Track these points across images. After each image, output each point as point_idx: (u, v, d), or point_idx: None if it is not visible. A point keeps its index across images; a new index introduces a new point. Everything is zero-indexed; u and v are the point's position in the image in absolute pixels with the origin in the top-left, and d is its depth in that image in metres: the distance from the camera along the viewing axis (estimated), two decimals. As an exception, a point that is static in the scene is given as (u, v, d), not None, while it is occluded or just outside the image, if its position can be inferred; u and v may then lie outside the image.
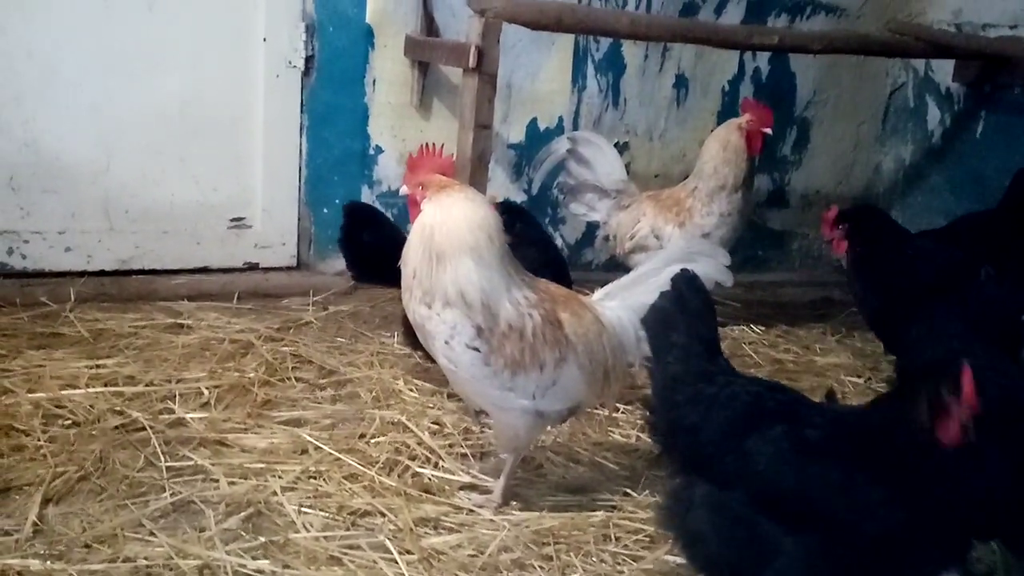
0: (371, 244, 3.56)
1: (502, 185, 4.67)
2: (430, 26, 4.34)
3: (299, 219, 4.45)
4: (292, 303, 4.14)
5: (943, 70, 5.17)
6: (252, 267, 4.41)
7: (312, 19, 4.25)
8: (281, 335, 3.72)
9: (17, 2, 3.79)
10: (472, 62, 3.67)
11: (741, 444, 1.91)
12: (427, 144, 2.51)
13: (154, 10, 4.05)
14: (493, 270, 2.37)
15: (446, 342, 2.34)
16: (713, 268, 2.56)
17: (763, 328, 4.30)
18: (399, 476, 2.70)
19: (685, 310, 2.09)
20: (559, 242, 4.82)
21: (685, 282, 2.13)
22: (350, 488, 2.60)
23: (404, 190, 2.47)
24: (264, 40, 4.24)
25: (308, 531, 2.39)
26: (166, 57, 4.09)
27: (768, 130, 3.98)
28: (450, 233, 2.35)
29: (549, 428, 2.74)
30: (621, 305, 2.52)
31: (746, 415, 1.94)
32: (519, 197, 4.71)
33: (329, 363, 3.47)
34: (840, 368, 3.88)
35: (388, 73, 4.36)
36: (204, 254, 4.32)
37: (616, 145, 4.70)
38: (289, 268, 4.48)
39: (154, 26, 4.04)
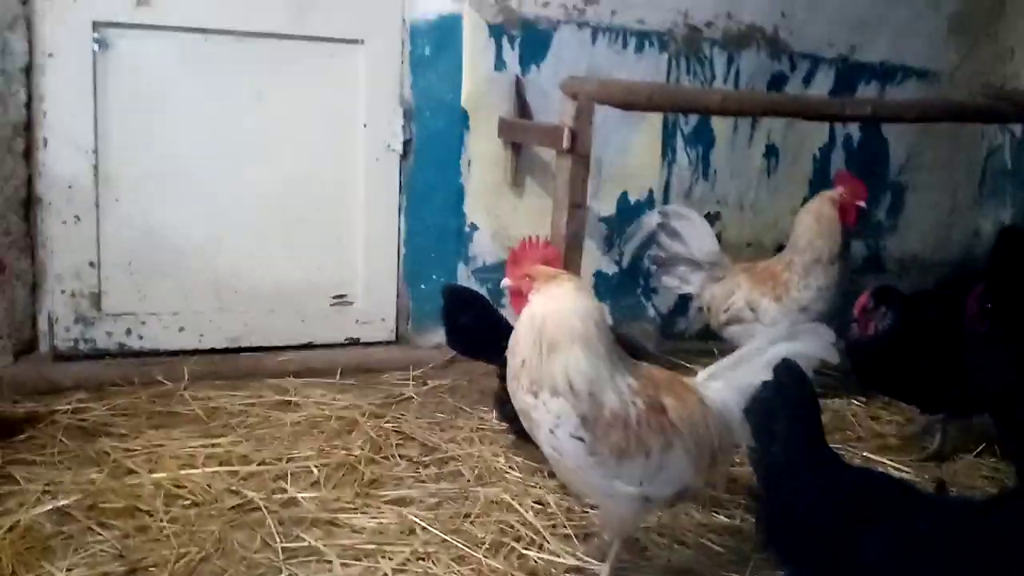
0: (467, 325, 3.66)
1: (593, 257, 4.74)
2: (522, 108, 4.48)
3: (398, 295, 4.59)
4: (392, 377, 4.26)
5: (1042, 131, 5.09)
6: (354, 342, 4.55)
7: (409, 104, 4.43)
8: (383, 411, 3.82)
9: (134, 96, 4.04)
10: (566, 144, 3.77)
11: (849, 537, 1.90)
12: (530, 237, 2.59)
13: (263, 100, 4.27)
14: (600, 359, 2.42)
15: (551, 431, 2.39)
16: (818, 346, 2.56)
17: (864, 400, 4.24)
18: (505, 558, 2.74)
19: (787, 399, 2.10)
20: (651, 312, 4.86)
21: (786, 371, 2.15)
22: (458, 570, 2.65)
23: (507, 283, 2.55)
24: (364, 126, 4.43)
25: (423, 615, 2.44)
26: (272, 144, 4.31)
27: (862, 203, 3.97)
28: (561, 323, 2.42)
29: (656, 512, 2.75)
30: (726, 386, 2.54)
31: (855, 507, 1.94)
32: (611, 269, 4.78)
33: (431, 440, 3.55)
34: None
35: (482, 154, 4.50)
36: (309, 331, 4.48)
37: (707, 216, 4.77)
38: (388, 343, 4.61)
39: (262, 115, 4.26)
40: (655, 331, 4.84)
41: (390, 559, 2.70)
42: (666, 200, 4.80)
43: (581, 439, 2.37)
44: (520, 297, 2.54)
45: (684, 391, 2.51)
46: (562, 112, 3.88)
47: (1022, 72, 5.14)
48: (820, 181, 5.08)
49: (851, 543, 1.90)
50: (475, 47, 4.39)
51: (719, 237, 4.54)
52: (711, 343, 4.31)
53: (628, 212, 4.75)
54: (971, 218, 5.42)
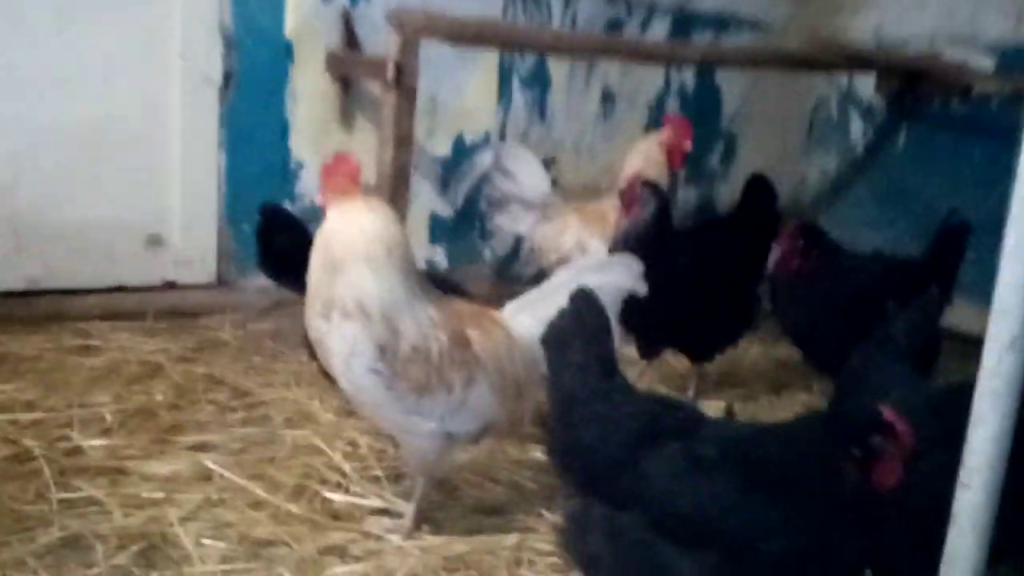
0: (283, 249, 3.44)
1: (429, 199, 4.61)
2: (351, 40, 4.27)
3: (219, 235, 4.33)
4: (210, 321, 4.03)
5: (865, 84, 5.24)
6: (170, 285, 4.28)
7: (230, 34, 4.15)
8: (195, 355, 3.61)
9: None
10: (391, 77, 3.61)
11: (636, 464, 1.86)
12: (341, 153, 2.44)
13: (64, 26, 3.91)
14: (395, 284, 2.31)
15: (346, 362, 2.26)
16: (627, 277, 2.52)
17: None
18: (308, 502, 2.61)
19: (583, 328, 2.04)
20: (487, 254, 4.78)
21: (583, 300, 2.09)
22: (254, 516, 2.51)
23: (319, 200, 2.40)
24: (180, 56, 4.12)
25: (204, 564, 2.29)
26: (77, 74, 3.95)
27: (688, 145, 3.97)
28: (345, 241, 2.30)
29: (463, 449, 2.67)
30: (533, 319, 2.47)
31: (641, 434, 1.91)
32: (446, 212, 4.66)
33: (243, 384, 3.36)
34: (763, 382, 3.88)
35: (309, 88, 4.27)
36: (119, 273, 4.16)
37: (543, 159, 4.70)
38: (209, 286, 4.35)
39: (64, 43, 3.89)
40: (491, 274, 4.76)
41: (179, 507, 2.52)
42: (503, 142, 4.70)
43: (378, 372, 2.25)
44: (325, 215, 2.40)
45: (490, 324, 2.43)
46: (388, 44, 3.71)
47: (851, 24, 5.26)
48: (655, 126, 5.06)
49: (639, 469, 1.86)
50: (299, -26, 4.15)
51: (555, 181, 4.49)
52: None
53: (464, 154, 4.63)
54: (798, 167, 5.55)
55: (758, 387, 3.86)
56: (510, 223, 4.25)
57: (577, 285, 2.42)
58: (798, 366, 3.82)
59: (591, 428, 1.94)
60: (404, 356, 2.26)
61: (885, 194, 5.11)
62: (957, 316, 3.89)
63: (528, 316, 2.48)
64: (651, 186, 3.51)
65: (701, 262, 3.36)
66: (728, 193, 5.42)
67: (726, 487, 1.80)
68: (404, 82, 3.63)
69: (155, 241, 4.24)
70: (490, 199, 4.30)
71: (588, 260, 2.56)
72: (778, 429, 1.97)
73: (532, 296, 2.54)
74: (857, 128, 5.35)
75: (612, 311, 2.48)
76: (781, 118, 5.47)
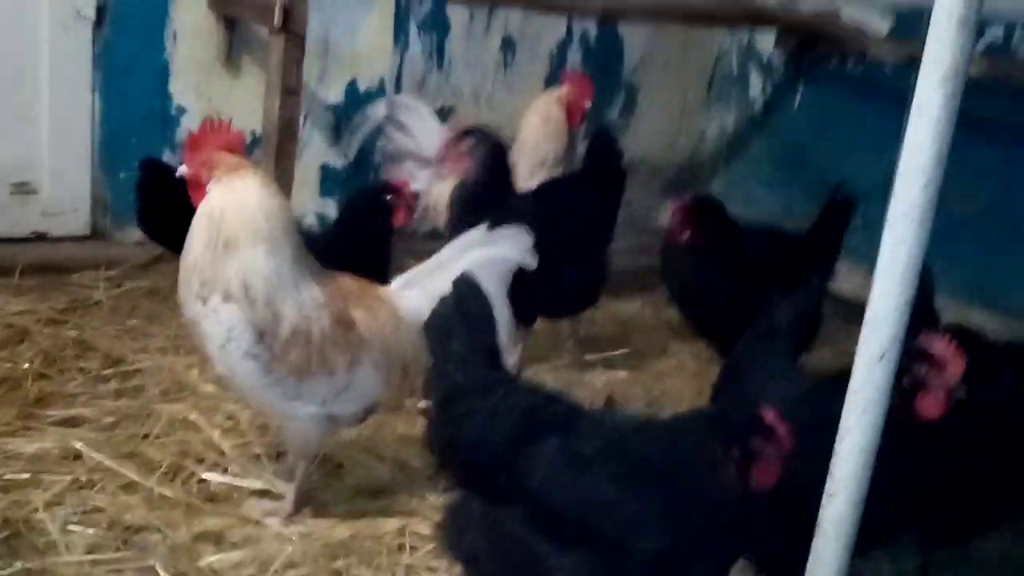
0: (164, 206, 3.24)
1: (320, 149, 4.42)
2: (236, -23, 4.01)
3: (93, 184, 4.07)
4: (84, 277, 3.79)
5: (766, 39, 5.22)
6: (40, 237, 4.02)
7: (104, -37, 3.85)
8: (66, 317, 3.40)
9: None
10: (278, 21, 3.40)
11: (516, 460, 1.82)
12: (211, 119, 2.28)
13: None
14: (284, 263, 2.20)
15: (222, 346, 2.14)
16: (516, 250, 2.45)
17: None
18: (183, 483, 2.50)
19: (464, 316, 1.97)
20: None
21: (465, 286, 2.00)
22: (125, 500, 2.38)
23: (184, 170, 2.22)
24: (48, -14, 3.81)
25: (71, 553, 2.17)
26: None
27: (588, 103, 3.90)
28: (244, 219, 2.17)
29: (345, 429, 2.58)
30: (421, 294, 2.38)
31: (522, 429, 1.86)
32: (338, 162, 4.48)
33: (117, 350, 3.18)
34: (653, 346, 3.89)
35: (190, 26, 4.01)
36: (-17, 222, 3.89)
37: (441, 109, 4.55)
38: (83, 238, 4.10)
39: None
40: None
41: (45, 490, 2.38)
42: (398, 90, 4.52)
43: (256, 356, 2.14)
44: (200, 188, 2.23)
45: (376, 302, 2.33)
46: (259, -18, 3.49)
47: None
48: (556, 77, 4.96)
49: (518, 465, 1.82)
50: (179, -99, 3.86)
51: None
52: (441, 244, 4.16)
53: (358, 101, 4.43)
54: (698, 121, 5.54)
55: (646, 351, 3.86)
56: (408, 180, 4.11)
57: (464, 261, 2.38)
58: (688, 332, 3.83)
59: (472, 423, 1.88)
60: (283, 339, 2.15)
61: (781, 154, 5.14)
62: (842, 280, 3.98)
63: (415, 291, 2.40)
64: (481, 136, 3.37)
65: (543, 224, 2.81)
66: (630, 146, 5.36)
67: (602, 484, 1.78)
68: (292, 28, 3.42)
69: (23, 189, 3.97)
70: (384, 153, 4.14)
71: (475, 232, 2.45)
72: (657, 426, 1.96)
73: (420, 270, 2.44)
74: (756, 84, 5.35)
75: (501, 285, 2.43)
76: (683, 71, 5.42)
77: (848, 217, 3.56)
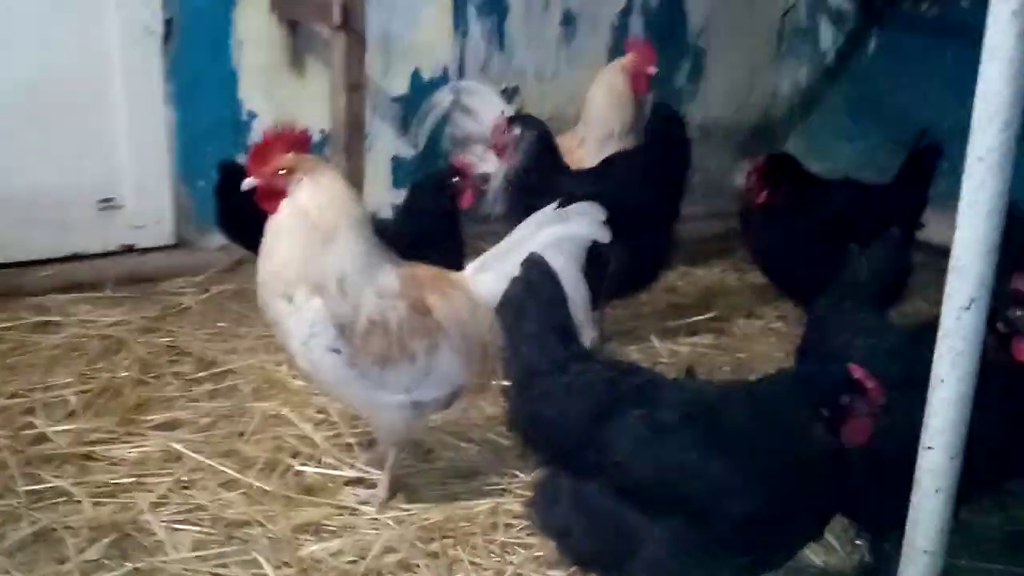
0: (242, 205, 3.32)
1: (389, 142, 4.46)
2: (296, -21, 4.06)
3: (174, 194, 4.19)
4: (171, 285, 3.91)
5: (833, -13, 5.07)
6: (128, 249, 4.15)
7: (169, -21, 3.94)
8: (157, 325, 3.51)
9: None
10: (337, 20, 3.45)
11: (598, 434, 1.81)
12: (273, 125, 2.31)
13: (-10, -14, 3.70)
14: (360, 253, 2.24)
15: (304, 343, 2.18)
16: (589, 226, 2.43)
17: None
18: (280, 477, 2.56)
19: (536, 297, 1.96)
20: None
21: (534, 267, 2.00)
22: (226, 497, 2.45)
23: (252, 182, 2.25)
24: (116, 5, 3.92)
25: (178, 552, 2.24)
26: (8, 34, 3.75)
27: (653, 70, 3.83)
28: (342, 211, 2.22)
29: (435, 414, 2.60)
30: (496, 277, 2.37)
31: (601, 403, 1.85)
32: (408, 153, 4.51)
33: (208, 353, 3.27)
34: (737, 310, 3.82)
35: (255, 33, 4.08)
36: (74, 240, 4.03)
37: (505, 90, 4.55)
38: (168, 247, 4.22)
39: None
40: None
41: (150, 491, 2.46)
42: (461, 76, 4.52)
43: (338, 351, 2.17)
44: (274, 195, 2.26)
45: (450, 288, 2.34)
46: (323, -17, 3.53)
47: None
48: (620, 49, 4.89)
49: (601, 439, 1.81)
50: (235, -88, 3.93)
51: (520, 113, 4.34)
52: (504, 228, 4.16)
53: (423, 91, 4.45)
54: (769, 79, 5.40)
55: (730, 315, 3.80)
56: (475, 163, 4.12)
57: (537, 240, 2.37)
58: (772, 293, 3.76)
59: (551, 401, 1.88)
60: (363, 330, 2.18)
61: (857, 104, 4.99)
62: (931, 229, 3.83)
63: (490, 275, 2.39)
64: (525, 122, 3.32)
65: (604, 200, 2.67)
66: (700, 111, 5.28)
67: (687, 451, 1.76)
68: (352, 25, 3.46)
69: (108, 205, 4.11)
70: (453, 139, 4.16)
71: (547, 210, 2.44)
72: (740, 390, 1.92)
73: (494, 252, 2.44)
74: (827, 36, 5.20)
75: (576, 262, 2.41)
76: (749, 29, 5.29)
77: (934, 164, 3.43)
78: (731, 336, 3.63)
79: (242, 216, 3.32)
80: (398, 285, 2.24)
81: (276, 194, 2.22)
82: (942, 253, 2.85)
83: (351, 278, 2.17)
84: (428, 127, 4.27)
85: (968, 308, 1.50)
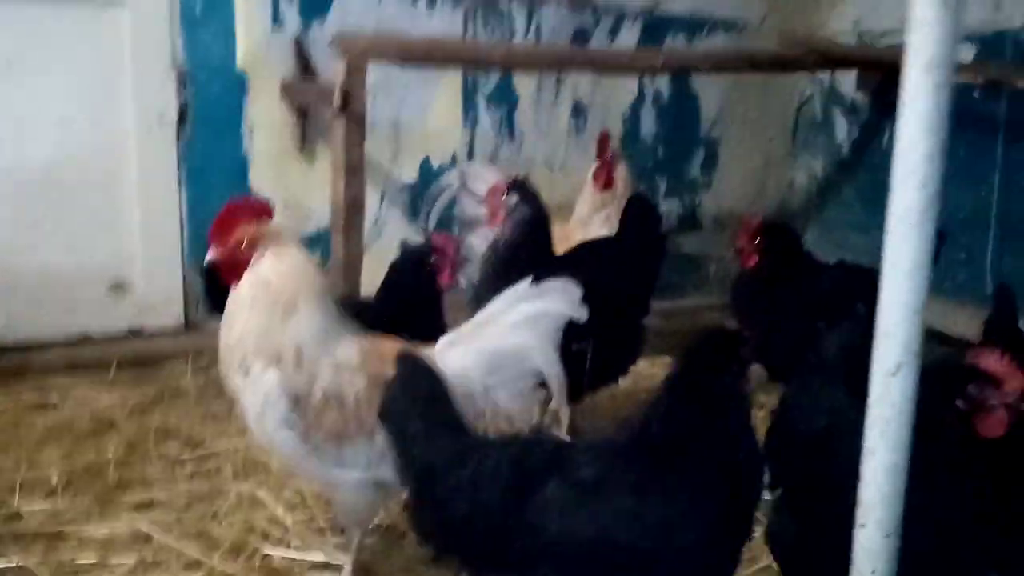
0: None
1: (398, 227, 4.51)
2: (306, 68, 4.17)
3: (184, 278, 4.23)
4: (175, 368, 3.91)
5: (848, 81, 5.06)
6: (136, 333, 4.18)
7: (183, 69, 4.07)
8: (152, 406, 3.50)
9: None
10: (337, 104, 3.50)
11: (521, 518, 1.72)
12: (234, 200, 2.31)
13: (13, 70, 3.84)
14: (320, 325, 2.21)
15: (259, 415, 2.14)
16: (565, 303, 2.37)
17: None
18: (247, 560, 2.49)
19: (417, 395, 1.88)
20: (462, 281, 4.63)
21: (408, 365, 1.91)
22: (186, 578, 2.38)
23: (212, 256, 2.25)
24: (132, 93, 4.04)
25: (130, 635, 2.17)
26: (27, 119, 3.88)
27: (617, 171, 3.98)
28: (304, 282, 2.21)
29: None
30: (466, 352, 2.33)
31: (513, 485, 1.76)
32: (417, 237, 4.52)
33: (198, 434, 3.25)
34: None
35: (265, 119, 4.19)
36: (83, 322, 4.08)
37: (515, 178, 4.56)
38: (176, 331, 4.25)
39: (13, 88, 3.83)
40: (470, 300, 4.62)
41: (111, 572, 2.41)
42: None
43: (291, 424, 2.12)
44: (237, 266, 2.25)
45: (416, 364, 2.28)
46: (334, 70, 3.60)
47: (829, 21, 5.10)
48: (631, 137, 4.95)
49: (525, 522, 1.72)
50: (249, 3, 4.07)
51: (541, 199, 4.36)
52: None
53: (432, 178, 4.49)
54: (785, 170, 5.38)
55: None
56: (482, 243, 4.12)
57: (511, 316, 2.33)
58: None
59: (459, 499, 1.77)
60: (317, 404, 2.13)
61: (871, 195, 4.92)
62: (934, 314, 3.72)
63: (460, 350, 2.34)
64: (521, 189, 3.26)
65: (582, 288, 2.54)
66: (713, 202, 5.27)
67: (622, 500, 1.70)
68: (352, 108, 3.51)
69: (119, 287, 4.16)
70: (460, 220, 4.16)
71: (522, 287, 2.40)
72: (643, 425, 1.83)
73: (465, 328, 2.40)
74: (842, 127, 5.18)
75: (551, 340, 2.36)
76: (764, 121, 5.30)
77: (938, 250, 3.33)
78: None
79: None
80: (357, 358, 2.20)
81: (238, 266, 2.21)
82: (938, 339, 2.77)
83: (308, 350, 2.13)
84: (438, 209, 4.29)
85: (895, 374, 1.42)
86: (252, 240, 2.24)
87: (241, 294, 2.22)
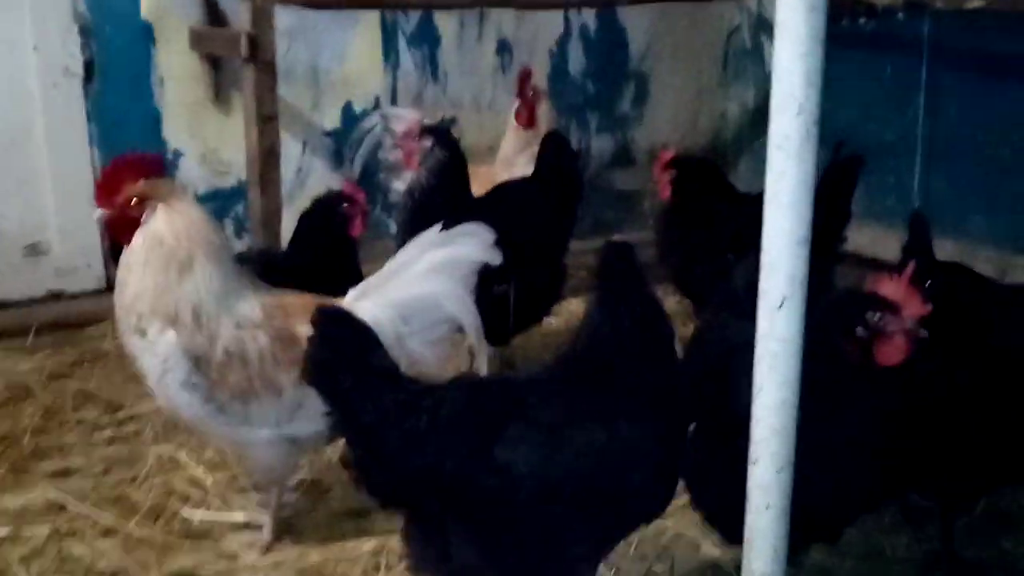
0: None
1: (322, 175, 4.39)
2: (215, 15, 4.02)
3: (102, 237, 4.09)
4: (97, 330, 3.80)
5: (774, 6, 4.99)
6: (56, 295, 4.05)
7: (86, 20, 3.90)
8: (72, 370, 3.40)
9: None
10: (245, 51, 3.38)
11: (491, 458, 1.69)
12: (120, 157, 2.21)
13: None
14: (228, 278, 2.14)
15: (159, 379, 2.07)
16: (477, 248, 2.33)
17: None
18: (165, 523, 2.44)
19: (342, 348, 1.79)
20: (392, 227, 4.55)
21: (326, 318, 1.81)
22: (101, 547, 2.33)
23: (101, 213, 2.16)
24: (35, 48, 3.87)
25: (41, 606, 2.12)
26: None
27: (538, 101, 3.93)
28: (200, 238, 2.12)
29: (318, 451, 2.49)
30: (376, 304, 2.28)
31: (477, 428, 1.73)
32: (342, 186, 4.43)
33: (117, 398, 3.17)
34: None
35: (176, 70, 4.04)
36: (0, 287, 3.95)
37: (442, 119, 4.47)
38: (98, 291, 4.12)
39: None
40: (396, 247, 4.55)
41: (23, 544, 2.34)
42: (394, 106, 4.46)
43: (194, 386, 2.06)
44: (128, 224, 2.16)
45: (323, 316, 2.22)
46: (240, 16, 3.47)
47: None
48: (559, 74, 4.86)
49: (494, 463, 1.70)
50: (150, -50, 3.89)
51: (458, 141, 4.27)
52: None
53: (355, 123, 4.38)
54: (717, 101, 5.33)
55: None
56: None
57: (422, 263, 2.27)
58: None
59: (420, 448, 1.71)
60: (219, 362, 2.07)
61: (801, 122, 4.90)
62: (864, 239, 3.76)
63: (371, 301, 2.28)
64: (435, 132, 3.19)
65: (497, 229, 2.46)
66: (646, 136, 5.21)
67: (589, 434, 1.74)
68: (261, 55, 3.39)
69: (34, 250, 4.02)
70: (385, 164, 4.07)
71: (430, 233, 2.34)
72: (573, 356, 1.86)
73: (375, 279, 2.34)
74: (772, 56, 5.12)
75: (465, 285, 2.31)
76: (694, 52, 5.23)
77: (855, 175, 3.33)
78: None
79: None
80: (260, 314, 2.14)
81: (129, 224, 2.12)
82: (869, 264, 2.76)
83: (207, 308, 2.06)
84: (363, 155, 4.19)
85: (781, 307, 1.40)
86: (141, 197, 2.14)
87: (133, 253, 2.14)
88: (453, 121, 4.63)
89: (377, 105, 4.43)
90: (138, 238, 2.14)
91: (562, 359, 1.90)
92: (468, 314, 2.33)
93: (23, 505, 2.53)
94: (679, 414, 1.86)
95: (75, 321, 3.89)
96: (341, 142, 4.40)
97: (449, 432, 1.74)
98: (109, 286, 4.09)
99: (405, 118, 3.96)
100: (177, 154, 4.11)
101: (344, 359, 1.76)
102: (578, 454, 1.73)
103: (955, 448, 1.96)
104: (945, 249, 2.84)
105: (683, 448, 1.87)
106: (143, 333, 2.07)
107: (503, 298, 2.93)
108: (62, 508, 2.51)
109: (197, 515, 2.45)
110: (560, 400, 1.79)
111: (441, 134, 3.22)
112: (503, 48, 4.72)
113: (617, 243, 1.93)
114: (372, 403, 1.73)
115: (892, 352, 1.69)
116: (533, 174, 3.39)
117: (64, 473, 2.71)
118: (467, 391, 1.81)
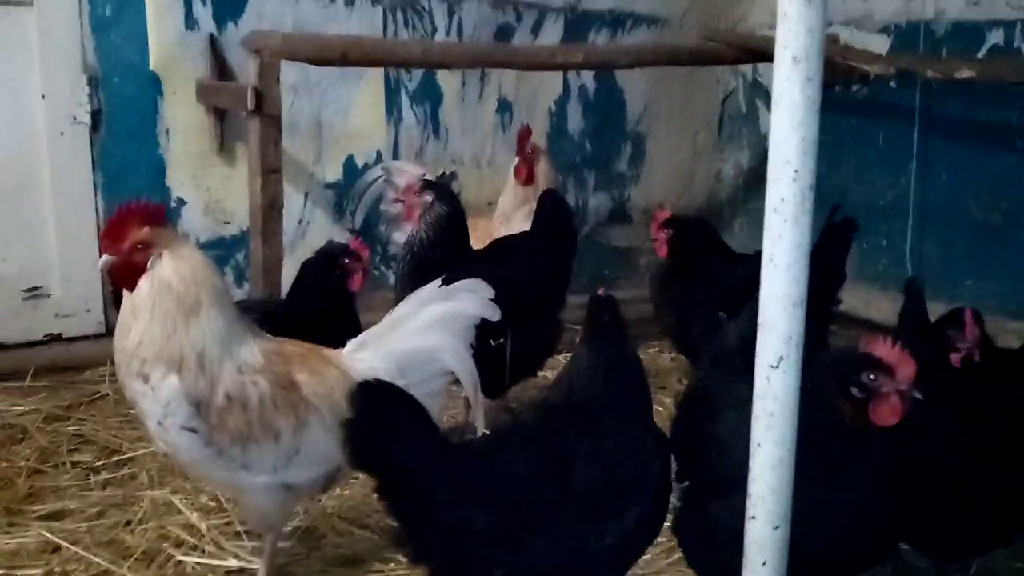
0: None
1: (323, 226, 4.46)
2: (222, 69, 4.11)
3: (103, 283, 4.14)
4: (94, 374, 3.84)
5: (770, 73, 5.10)
6: (55, 338, 4.08)
7: (95, 71, 3.99)
8: (69, 413, 3.43)
9: None
10: (251, 105, 3.45)
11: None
12: (125, 204, 2.25)
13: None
14: (231, 323, 2.17)
15: (160, 423, 2.10)
16: (476, 304, 2.37)
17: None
18: (159, 568, 2.45)
19: (390, 419, 1.82)
20: (391, 279, 4.60)
21: (369, 392, 1.84)
22: (95, 590, 2.33)
23: (107, 260, 2.19)
24: (43, 97, 3.95)
25: (34, 650, 2.12)
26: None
27: (537, 162, 3.99)
28: (205, 284, 2.15)
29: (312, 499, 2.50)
30: (375, 355, 2.32)
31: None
32: (343, 237, 4.48)
33: (114, 441, 3.19)
34: (665, 391, 3.73)
35: (182, 121, 4.12)
36: (-1, 329, 3.98)
37: (442, 175, 4.56)
38: (97, 336, 4.16)
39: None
40: (396, 298, 4.59)
41: (16, 586, 2.35)
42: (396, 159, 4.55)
43: (194, 430, 2.08)
44: (132, 270, 2.20)
45: (322, 365, 2.27)
46: (247, 71, 3.55)
47: (750, 16, 5.16)
48: (558, 133, 4.96)
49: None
50: (160, 4, 3.99)
51: (459, 197, 4.34)
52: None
53: (356, 176, 4.47)
54: (712, 162, 5.43)
55: (659, 395, 3.68)
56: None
57: (421, 317, 2.31)
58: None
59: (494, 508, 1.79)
60: (219, 407, 2.10)
61: (795, 185, 4.99)
62: (858, 300, 3.81)
63: (370, 352, 2.33)
64: (435, 187, 3.25)
65: (494, 283, 2.50)
66: (642, 195, 5.30)
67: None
68: (266, 108, 3.46)
69: (35, 294, 4.06)
70: (386, 216, 4.14)
71: (431, 288, 2.39)
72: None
73: (375, 330, 2.38)
74: (767, 119, 5.22)
75: (464, 340, 2.35)
76: (690, 114, 5.34)
77: (849, 238, 3.39)
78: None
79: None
80: (260, 360, 2.17)
81: (134, 271, 2.16)
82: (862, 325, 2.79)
83: (211, 352, 2.10)
84: (363, 207, 4.27)
85: (777, 367, 1.44)
86: (147, 243, 2.19)
87: (140, 298, 2.17)
88: (453, 176, 4.73)
89: (379, 159, 4.51)
90: (144, 284, 2.17)
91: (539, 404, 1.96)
92: (466, 368, 2.37)
93: (17, 547, 2.53)
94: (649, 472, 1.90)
95: (73, 364, 3.92)
96: (343, 194, 4.48)
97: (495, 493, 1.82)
98: (108, 331, 4.15)
99: (409, 172, 4.06)
100: (180, 202, 4.17)
101: (392, 426, 1.79)
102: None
103: (950, 508, 1.98)
104: (937, 312, 2.89)
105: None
106: (146, 378, 2.10)
107: (499, 351, 2.97)
108: (56, 550, 2.52)
109: (191, 559, 2.46)
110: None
111: (442, 189, 3.28)
112: (503, 107, 4.82)
113: (603, 297, 1.97)
114: (446, 475, 1.78)
115: (887, 412, 1.73)
116: (530, 230, 3.45)
117: (59, 515, 2.72)
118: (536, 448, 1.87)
